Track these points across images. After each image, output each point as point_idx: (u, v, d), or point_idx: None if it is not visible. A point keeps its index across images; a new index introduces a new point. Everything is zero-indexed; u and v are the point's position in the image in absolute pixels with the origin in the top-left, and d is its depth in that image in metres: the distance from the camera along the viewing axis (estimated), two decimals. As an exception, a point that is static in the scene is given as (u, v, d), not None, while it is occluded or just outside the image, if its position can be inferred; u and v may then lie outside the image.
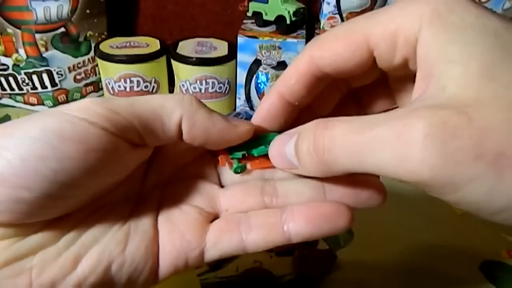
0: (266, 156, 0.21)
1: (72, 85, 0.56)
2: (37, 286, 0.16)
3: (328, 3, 0.49)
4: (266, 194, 0.21)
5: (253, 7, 0.53)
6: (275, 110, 0.22)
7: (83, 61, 0.56)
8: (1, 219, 0.16)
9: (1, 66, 0.52)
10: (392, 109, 0.19)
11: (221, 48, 0.54)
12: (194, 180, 0.22)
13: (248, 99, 0.55)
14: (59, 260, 0.17)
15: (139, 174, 0.22)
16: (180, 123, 0.19)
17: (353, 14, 0.49)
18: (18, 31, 0.50)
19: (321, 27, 0.51)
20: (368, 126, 0.16)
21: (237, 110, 0.56)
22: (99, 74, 0.56)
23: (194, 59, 0.51)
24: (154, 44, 0.54)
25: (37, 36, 0.51)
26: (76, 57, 0.55)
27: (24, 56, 0.52)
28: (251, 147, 0.22)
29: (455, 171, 0.14)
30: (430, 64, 0.16)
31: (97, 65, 0.56)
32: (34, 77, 0.53)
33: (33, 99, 0.55)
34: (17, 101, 0.55)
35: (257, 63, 0.52)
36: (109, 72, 0.53)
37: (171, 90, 0.58)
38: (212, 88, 0.53)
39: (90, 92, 0.58)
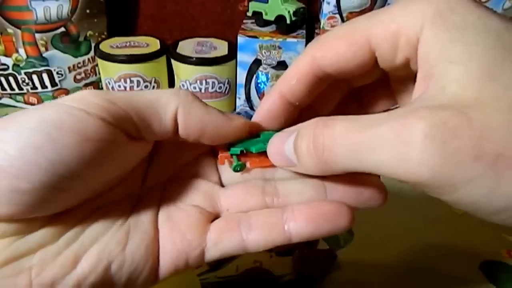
0: (265, 154, 0.21)
1: (72, 85, 0.56)
2: (37, 285, 0.16)
3: (328, 3, 0.49)
4: (267, 194, 0.21)
5: (253, 7, 0.53)
6: (276, 110, 0.22)
7: (83, 61, 0.56)
8: (2, 212, 0.16)
9: (1, 66, 0.52)
10: (393, 108, 0.19)
11: (221, 48, 0.54)
12: (195, 179, 0.22)
13: (248, 99, 0.55)
14: (59, 259, 0.17)
15: (139, 173, 0.22)
16: (175, 114, 0.19)
17: (353, 14, 0.49)
18: (18, 31, 0.50)
19: (321, 27, 0.51)
20: (368, 125, 0.16)
21: (237, 110, 0.56)
22: (99, 74, 0.56)
23: (194, 59, 0.51)
24: (154, 44, 0.54)
25: (37, 36, 0.51)
26: (76, 57, 0.55)
27: (24, 56, 0.52)
28: (250, 144, 0.22)
29: (455, 172, 0.14)
30: (430, 64, 0.16)
31: (97, 65, 0.56)
32: (34, 77, 0.53)
33: (33, 99, 0.55)
34: (17, 101, 0.55)
35: (257, 63, 0.52)
36: (109, 72, 0.53)
37: (171, 90, 0.58)
38: (212, 88, 0.53)
39: (90, 92, 0.58)
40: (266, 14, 0.52)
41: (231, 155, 0.22)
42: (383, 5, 0.49)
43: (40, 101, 0.55)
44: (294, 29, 0.52)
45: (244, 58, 0.52)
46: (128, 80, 0.53)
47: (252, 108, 0.56)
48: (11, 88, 0.54)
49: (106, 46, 0.53)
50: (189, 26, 0.62)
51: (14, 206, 0.16)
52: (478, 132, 0.14)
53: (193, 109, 0.19)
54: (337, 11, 0.49)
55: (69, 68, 0.55)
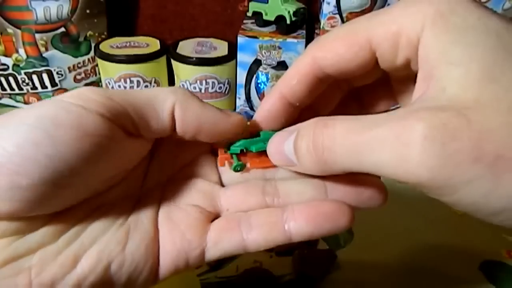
0: (265, 154, 0.21)
1: (72, 85, 0.56)
2: (36, 285, 0.16)
3: (328, 3, 0.49)
4: (267, 194, 0.21)
5: (253, 7, 0.53)
6: (276, 111, 0.22)
7: (83, 61, 0.56)
8: (3, 210, 0.16)
9: (1, 66, 0.52)
10: (394, 108, 0.19)
11: (221, 48, 0.54)
12: (195, 179, 0.22)
13: (248, 99, 0.55)
14: (58, 258, 0.17)
15: (139, 173, 0.22)
16: (173, 111, 0.19)
17: (353, 14, 0.49)
18: (18, 31, 0.50)
19: (321, 27, 0.51)
20: (368, 126, 0.16)
21: (237, 110, 0.56)
22: (99, 74, 0.56)
23: (194, 59, 0.51)
24: (154, 44, 0.54)
25: (37, 36, 0.51)
26: (76, 57, 0.55)
27: (24, 56, 0.52)
28: (250, 144, 0.22)
29: (454, 173, 0.14)
30: (431, 65, 0.16)
31: (97, 65, 0.56)
32: (34, 77, 0.53)
33: (33, 99, 0.55)
34: (17, 101, 0.55)
35: (257, 63, 0.52)
36: (109, 72, 0.53)
37: (171, 90, 0.58)
38: (212, 88, 0.53)
39: (90, 92, 0.58)
40: (266, 14, 0.52)
41: (231, 154, 0.22)
42: (383, 6, 0.49)
43: (40, 101, 0.55)
44: (294, 29, 0.52)
45: (244, 58, 0.52)
46: (128, 80, 0.52)
47: (252, 108, 0.56)
48: (11, 88, 0.54)
49: (106, 46, 0.53)
50: (189, 26, 0.62)
51: (15, 203, 0.16)
52: (477, 134, 0.14)
53: (190, 105, 0.20)
54: (337, 11, 0.49)
55: (69, 68, 0.55)
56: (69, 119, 0.16)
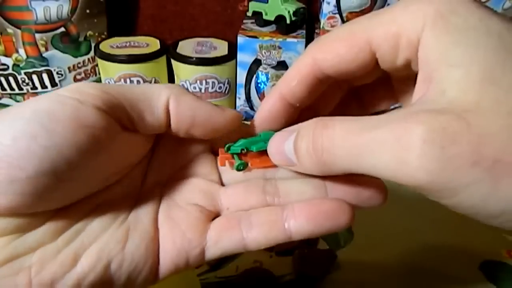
0: (266, 154, 0.21)
1: (72, 85, 0.56)
2: (36, 284, 0.16)
3: (328, 3, 0.49)
4: (268, 193, 0.21)
5: (253, 7, 0.53)
6: (276, 111, 0.22)
7: (83, 61, 0.56)
8: (3, 204, 0.16)
9: (1, 66, 0.52)
10: (393, 108, 0.19)
11: (221, 48, 0.54)
12: (195, 178, 0.22)
13: (248, 99, 0.55)
14: (58, 257, 0.17)
15: (139, 172, 0.22)
16: (167, 105, 0.19)
17: (353, 14, 0.49)
18: (18, 31, 0.50)
19: (321, 27, 0.51)
20: (368, 127, 0.16)
21: (237, 110, 0.56)
22: (99, 74, 0.56)
23: (194, 59, 0.51)
24: (154, 44, 0.54)
25: (37, 36, 0.51)
26: (76, 57, 0.55)
27: (24, 56, 0.52)
28: (250, 143, 0.22)
29: (453, 177, 0.14)
30: (431, 66, 0.16)
31: (97, 65, 0.56)
32: (34, 77, 0.53)
33: (33, 99, 0.55)
34: (17, 101, 0.55)
35: (257, 63, 0.52)
36: (109, 72, 0.53)
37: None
38: (212, 88, 0.53)
39: (90, 92, 0.58)
40: (266, 14, 0.52)
41: (232, 154, 0.22)
42: (383, 5, 0.49)
43: (40, 101, 0.55)
44: (294, 29, 0.52)
45: (244, 58, 0.52)
46: (128, 80, 0.53)
47: (252, 108, 0.56)
48: (11, 88, 0.54)
49: (106, 46, 0.53)
50: (189, 26, 0.62)
51: (16, 196, 0.16)
52: (477, 138, 0.14)
53: (184, 98, 0.20)
54: (337, 11, 0.49)
55: (69, 68, 0.55)
56: (65, 111, 0.16)
